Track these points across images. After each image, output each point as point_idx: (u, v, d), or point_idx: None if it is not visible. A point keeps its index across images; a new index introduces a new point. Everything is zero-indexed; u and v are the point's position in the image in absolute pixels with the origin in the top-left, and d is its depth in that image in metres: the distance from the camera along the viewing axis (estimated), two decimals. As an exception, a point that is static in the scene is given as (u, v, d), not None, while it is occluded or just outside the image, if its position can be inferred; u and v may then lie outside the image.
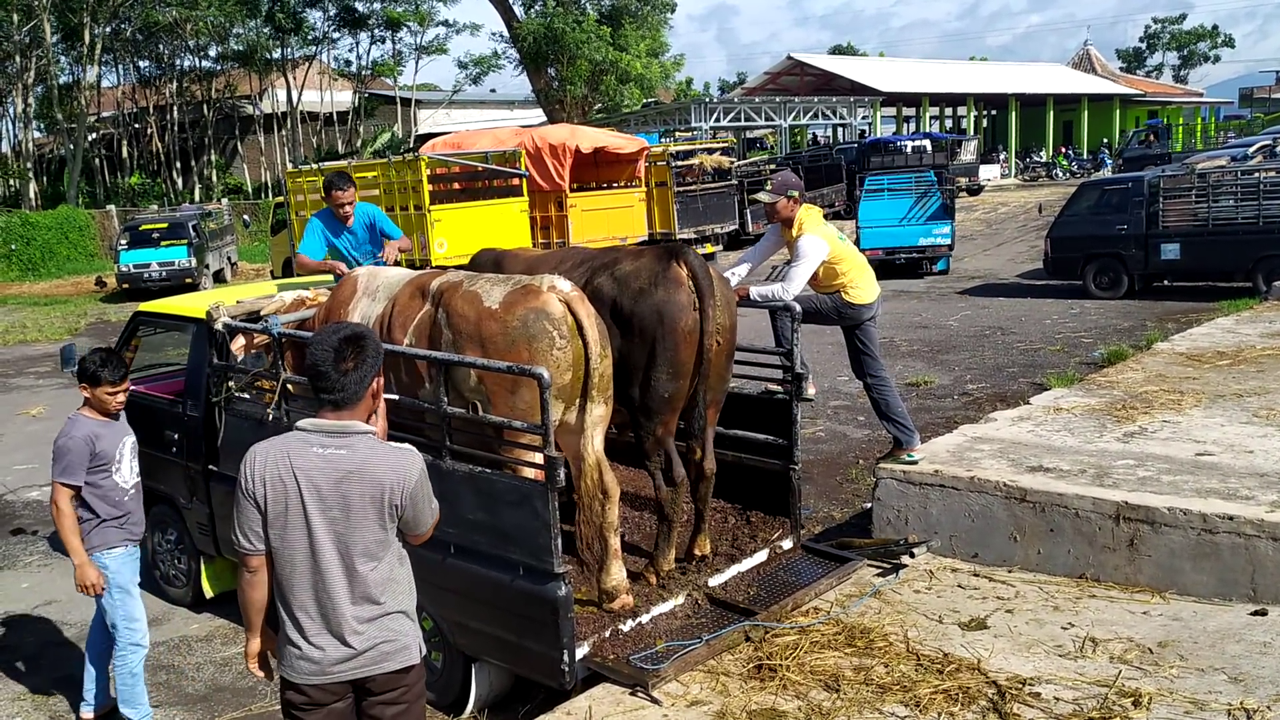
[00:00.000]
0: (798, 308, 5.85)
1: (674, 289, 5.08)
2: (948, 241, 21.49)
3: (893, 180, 22.40)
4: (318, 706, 3.20)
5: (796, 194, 6.19)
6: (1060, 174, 42.56)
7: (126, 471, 5.08)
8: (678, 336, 5.07)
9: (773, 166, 30.05)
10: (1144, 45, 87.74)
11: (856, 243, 19.45)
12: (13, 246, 31.33)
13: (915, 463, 6.40)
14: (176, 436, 6.50)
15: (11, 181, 42.51)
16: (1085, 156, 46.75)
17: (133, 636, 5.09)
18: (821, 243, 6.04)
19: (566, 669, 4.52)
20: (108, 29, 38.68)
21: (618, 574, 5.03)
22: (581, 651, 4.68)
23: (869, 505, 6.91)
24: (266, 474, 3.13)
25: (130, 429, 5.22)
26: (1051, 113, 48.32)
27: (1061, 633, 5.03)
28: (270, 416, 5.64)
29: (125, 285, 25.20)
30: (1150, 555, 5.45)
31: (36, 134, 43.62)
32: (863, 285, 6.19)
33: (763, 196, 6.20)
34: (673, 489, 5.37)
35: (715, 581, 5.49)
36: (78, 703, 5.46)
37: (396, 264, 6.85)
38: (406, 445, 3.30)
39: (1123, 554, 5.53)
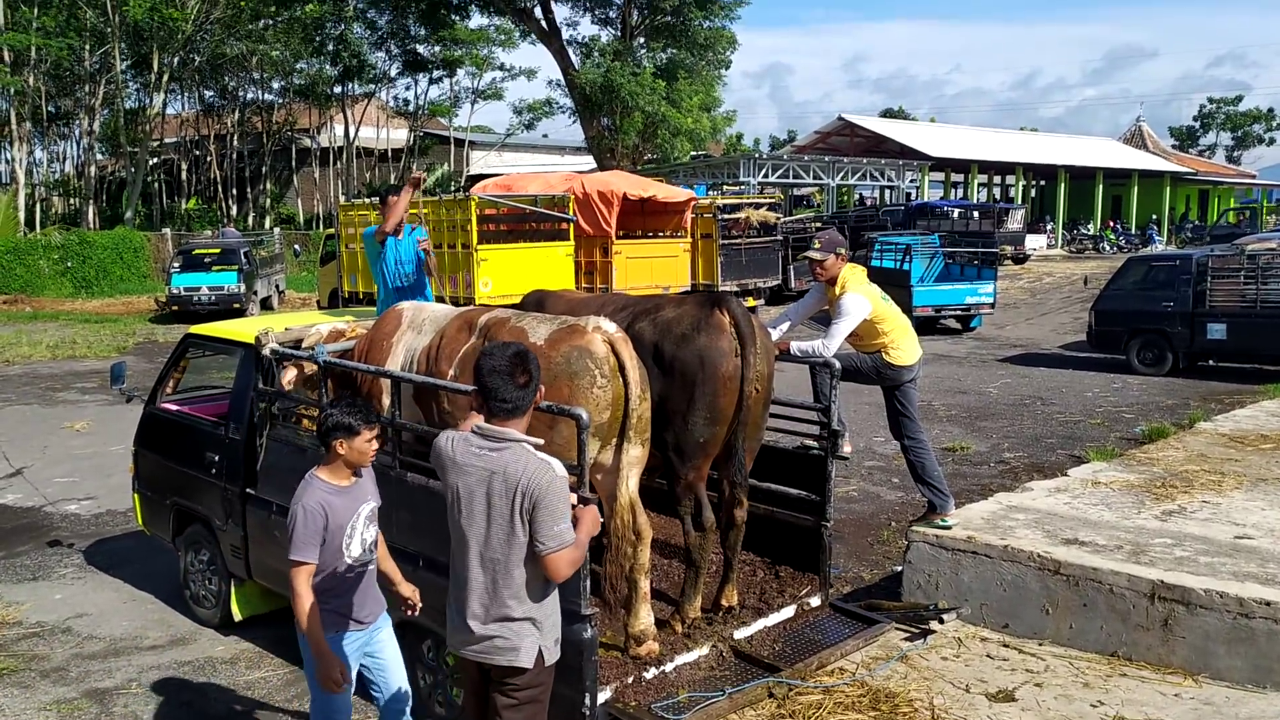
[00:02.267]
0: (837, 364, 5.86)
1: (717, 335, 5.14)
2: (990, 300, 22.38)
3: (898, 242, 23.32)
4: (464, 673, 3.73)
5: (844, 251, 6.24)
6: (1107, 247, 42.33)
7: (357, 546, 4.27)
8: (718, 382, 5.11)
9: (818, 225, 30.15)
10: (1198, 124, 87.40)
11: (908, 301, 19.78)
12: (69, 264, 32.05)
13: (949, 528, 6.35)
14: (217, 458, 6.60)
15: (72, 201, 43.56)
16: (1133, 231, 46.44)
17: None
18: (864, 301, 6.07)
19: (588, 712, 4.51)
20: (176, 59, 39.74)
21: (646, 618, 5.03)
22: (604, 696, 4.68)
23: (899, 568, 6.86)
24: (447, 460, 3.60)
25: (373, 492, 4.39)
26: (1101, 186, 48.11)
27: (1090, 710, 4.96)
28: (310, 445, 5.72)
29: (175, 307, 25.67)
30: (1184, 637, 5.37)
31: (100, 156, 44.72)
32: (904, 346, 6.20)
33: (814, 254, 6.25)
34: (701, 534, 5.38)
35: (741, 634, 5.47)
36: None
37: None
38: (553, 459, 3.60)
39: (1156, 634, 5.45)
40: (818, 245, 6.25)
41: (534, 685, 3.56)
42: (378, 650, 4.50)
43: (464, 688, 3.76)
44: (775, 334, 6.09)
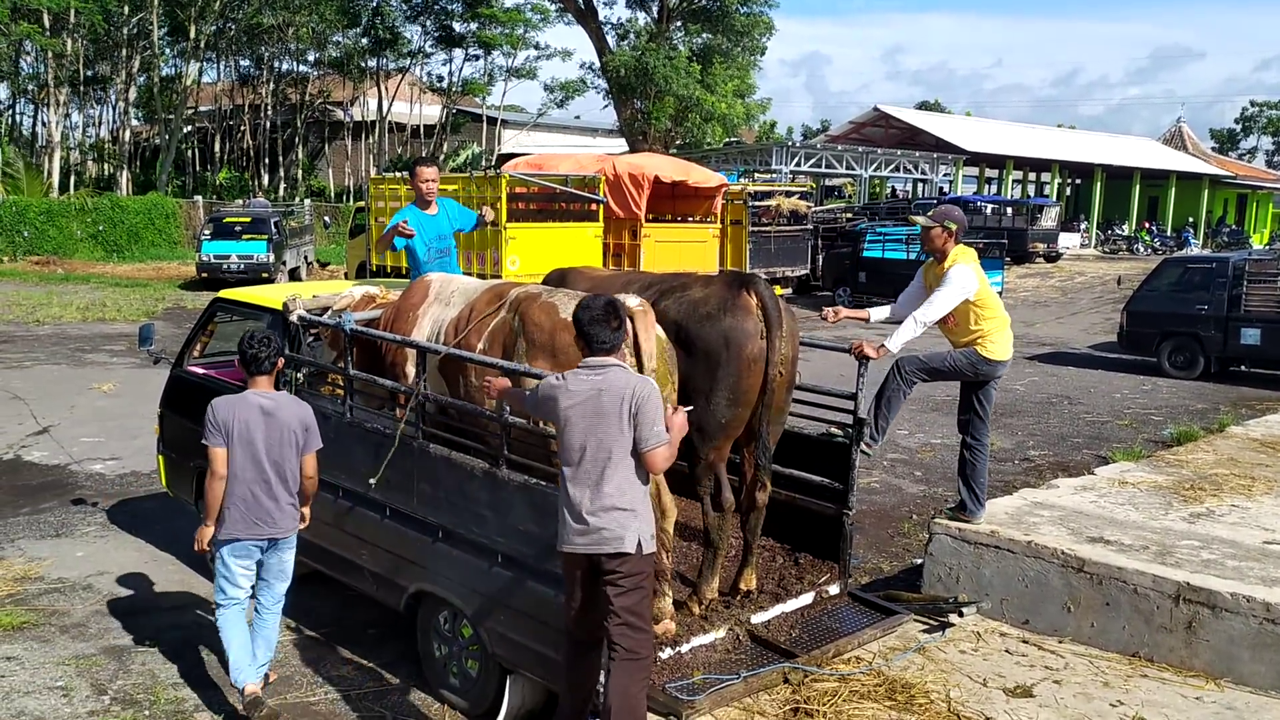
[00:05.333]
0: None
1: (743, 316, 5.09)
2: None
3: (890, 233, 24.52)
4: (570, 571, 4.19)
5: (954, 226, 5.99)
6: (1142, 249, 41.85)
7: None
8: (742, 363, 5.07)
9: (849, 215, 29.97)
10: (1239, 127, 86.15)
11: None
12: (100, 227, 32.33)
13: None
14: (241, 422, 6.59)
15: (106, 166, 43.87)
16: (1169, 234, 45.86)
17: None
18: (973, 277, 5.89)
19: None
20: (212, 28, 39.86)
21: (664, 598, 5.00)
22: (618, 674, 4.65)
23: (919, 561, 6.81)
24: (559, 391, 4.17)
25: None
26: (1138, 187, 47.51)
27: (1109, 709, 4.90)
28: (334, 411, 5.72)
29: (204, 274, 25.81)
30: (1208, 640, 5.29)
31: (135, 123, 44.98)
32: (1001, 339, 6.03)
33: (921, 219, 6.11)
34: (720, 515, 5.35)
35: (758, 619, 5.43)
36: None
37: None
38: (646, 377, 4.27)
39: (1180, 636, 5.38)
40: (930, 213, 6.07)
41: (637, 572, 4.06)
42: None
43: (568, 590, 4.24)
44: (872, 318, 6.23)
